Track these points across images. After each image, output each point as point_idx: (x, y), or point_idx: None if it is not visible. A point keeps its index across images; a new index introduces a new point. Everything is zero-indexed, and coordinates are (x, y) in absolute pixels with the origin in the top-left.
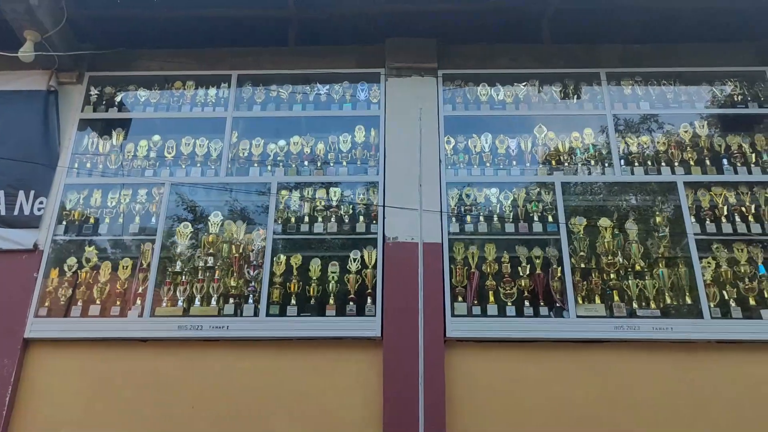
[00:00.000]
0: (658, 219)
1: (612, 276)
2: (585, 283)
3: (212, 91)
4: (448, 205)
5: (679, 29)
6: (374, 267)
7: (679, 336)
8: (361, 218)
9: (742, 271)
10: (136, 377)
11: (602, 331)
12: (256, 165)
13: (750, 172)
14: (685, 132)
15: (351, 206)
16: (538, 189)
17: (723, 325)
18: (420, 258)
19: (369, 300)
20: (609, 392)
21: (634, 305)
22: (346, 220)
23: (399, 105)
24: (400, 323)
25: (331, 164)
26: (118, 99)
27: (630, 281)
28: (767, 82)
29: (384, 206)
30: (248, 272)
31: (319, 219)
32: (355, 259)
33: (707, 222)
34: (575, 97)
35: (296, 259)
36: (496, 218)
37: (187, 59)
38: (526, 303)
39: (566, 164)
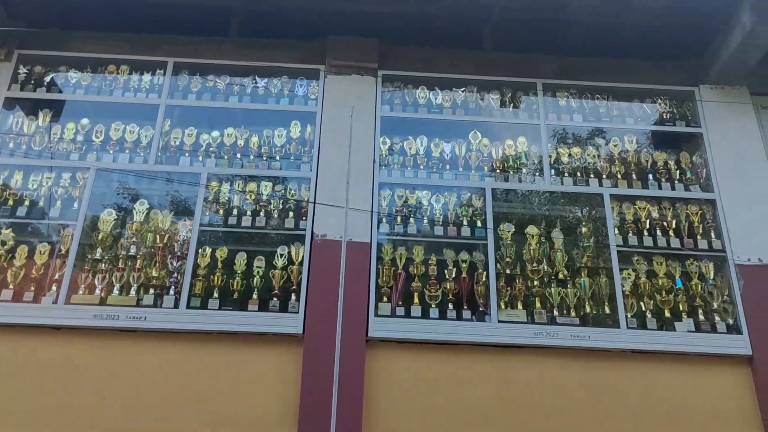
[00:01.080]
0: (584, 229)
1: (535, 283)
2: (509, 288)
3: (147, 77)
4: (379, 205)
5: (615, 46)
6: (301, 263)
7: (595, 344)
8: (291, 214)
9: (660, 283)
10: (48, 365)
11: (522, 337)
12: (187, 155)
13: (673, 188)
14: (615, 146)
15: (281, 201)
16: (470, 194)
17: (638, 335)
18: (343, 256)
19: (293, 296)
20: (525, 397)
21: (555, 312)
22: (276, 215)
23: (337, 102)
24: (322, 321)
25: (264, 158)
26: (47, 79)
27: (552, 289)
28: (695, 102)
29: (314, 203)
30: (171, 263)
31: (248, 213)
32: (282, 255)
33: (630, 234)
34: (512, 105)
35: (222, 252)
36: (426, 221)
37: (123, 43)
38: (450, 306)
39: (498, 171)
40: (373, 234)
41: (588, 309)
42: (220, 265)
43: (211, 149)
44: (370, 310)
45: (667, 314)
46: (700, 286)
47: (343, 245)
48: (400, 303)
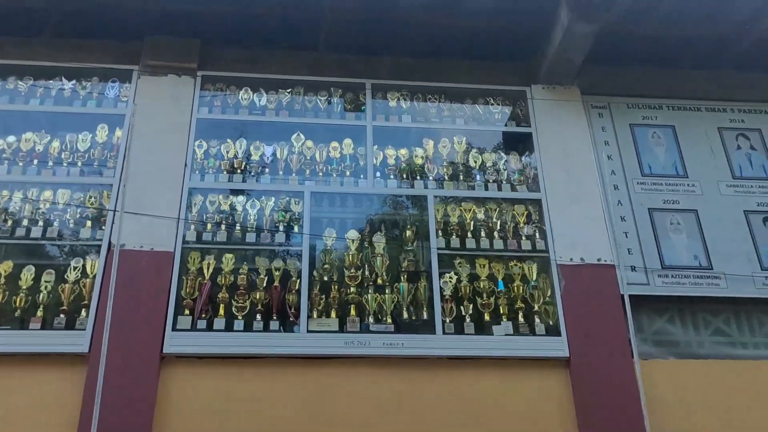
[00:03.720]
0: (408, 233)
1: (352, 289)
2: (323, 296)
3: None
4: (187, 212)
5: (450, 47)
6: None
7: (409, 352)
8: (89, 223)
9: (482, 286)
10: None
11: (332, 347)
12: None
13: (500, 189)
14: (444, 147)
15: (78, 210)
16: (288, 198)
17: (454, 341)
18: (115, 265)
19: (84, 312)
20: (335, 410)
21: (370, 320)
22: (71, 225)
23: (149, 105)
24: (110, 338)
25: (65, 164)
26: None
27: (369, 295)
28: (528, 101)
29: (114, 210)
30: None
31: (40, 223)
32: (75, 268)
33: (453, 237)
34: (339, 106)
35: (6, 267)
36: (238, 227)
37: None
38: (258, 317)
39: (320, 174)
40: (178, 242)
41: (405, 315)
42: (2, 280)
43: (5, 156)
44: (168, 324)
45: (487, 318)
46: (521, 287)
47: (115, 253)
48: (204, 316)
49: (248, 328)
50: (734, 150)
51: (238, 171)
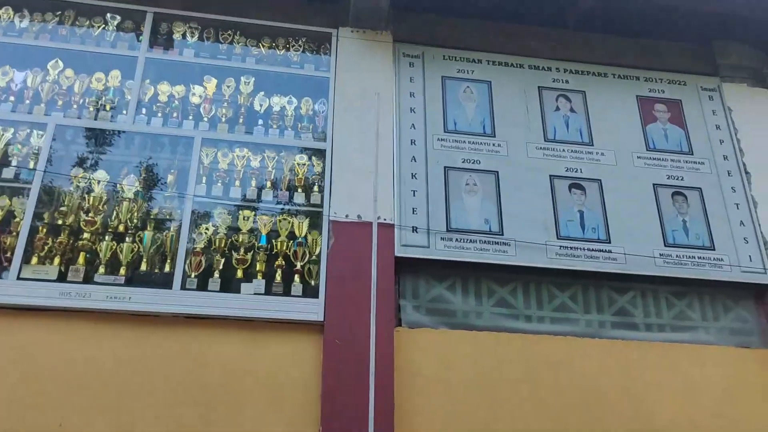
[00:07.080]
0: (170, 177)
1: (85, 236)
2: (50, 240)
3: None
4: None
5: None
6: None
7: (136, 307)
8: None
9: (240, 240)
10: None
11: (43, 298)
12: None
13: (282, 136)
14: (228, 87)
15: None
16: (30, 130)
17: (193, 297)
18: None
19: None
20: (43, 369)
21: (101, 270)
22: None
23: None
24: None
25: None
26: None
27: (105, 243)
28: (334, 41)
29: None
30: None
31: None
32: None
33: (218, 184)
34: (113, 35)
35: None
36: None
37: None
38: None
39: (75, 107)
40: None
41: (145, 267)
42: None
43: None
44: None
45: (240, 275)
46: (286, 244)
47: None
48: None
49: None
50: (552, 111)
51: None
